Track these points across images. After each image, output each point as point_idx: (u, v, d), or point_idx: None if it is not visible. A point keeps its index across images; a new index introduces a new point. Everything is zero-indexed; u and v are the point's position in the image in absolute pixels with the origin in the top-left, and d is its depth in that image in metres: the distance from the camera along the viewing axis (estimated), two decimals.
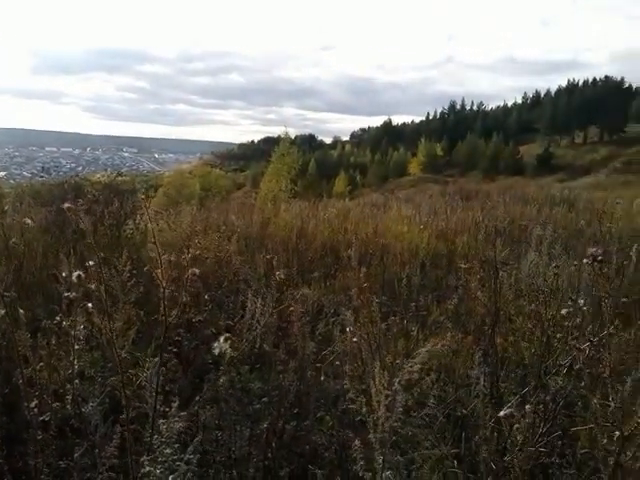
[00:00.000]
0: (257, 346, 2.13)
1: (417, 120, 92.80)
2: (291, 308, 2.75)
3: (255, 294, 2.16)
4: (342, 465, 1.50)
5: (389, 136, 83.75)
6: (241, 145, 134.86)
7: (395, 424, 0.88)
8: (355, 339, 1.86)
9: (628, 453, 0.77)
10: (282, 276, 2.35)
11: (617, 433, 0.75)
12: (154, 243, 1.19)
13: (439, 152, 67.34)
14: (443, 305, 4.12)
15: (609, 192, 15.91)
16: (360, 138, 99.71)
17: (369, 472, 0.91)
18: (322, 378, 2.23)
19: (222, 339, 1.13)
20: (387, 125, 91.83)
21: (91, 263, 1.41)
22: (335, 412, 1.94)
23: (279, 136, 31.18)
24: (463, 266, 3.52)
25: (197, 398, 1.52)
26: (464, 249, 6.36)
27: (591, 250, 0.69)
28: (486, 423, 1.61)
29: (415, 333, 3.39)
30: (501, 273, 4.39)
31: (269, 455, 1.54)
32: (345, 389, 1.26)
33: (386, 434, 0.87)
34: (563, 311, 1.77)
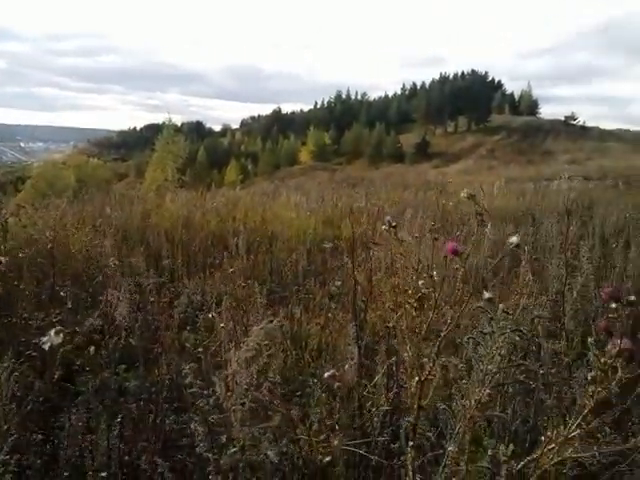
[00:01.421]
0: (122, 342, 2.04)
1: (306, 109, 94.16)
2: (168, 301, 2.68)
3: (118, 288, 2.06)
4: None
5: (279, 124, 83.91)
6: (121, 132, 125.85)
7: (242, 400, 0.92)
8: (222, 325, 1.88)
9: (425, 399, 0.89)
10: (116, 262, 2.26)
11: (416, 378, 0.87)
12: None
13: (327, 141, 69.16)
14: (327, 287, 4.30)
15: (475, 176, 17.68)
16: (250, 126, 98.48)
17: (212, 451, 0.95)
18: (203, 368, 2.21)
19: (52, 332, 1.07)
20: (277, 113, 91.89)
21: None
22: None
23: (163, 123, 29.64)
24: (326, 246, 3.69)
25: (29, 397, 1.43)
26: (348, 233, 6.64)
27: (386, 218, 0.79)
28: (357, 391, 1.75)
29: (298, 315, 3.50)
30: (377, 253, 4.71)
31: (127, 451, 1.50)
32: (185, 374, 1.27)
33: (238, 410, 0.91)
34: (420, 282, 1.95)
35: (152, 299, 2.85)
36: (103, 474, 1.36)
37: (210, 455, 0.95)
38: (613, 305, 0.73)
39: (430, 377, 0.82)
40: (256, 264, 5.17)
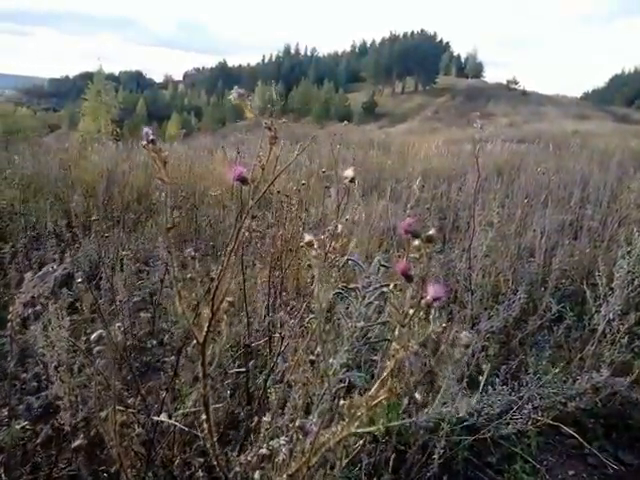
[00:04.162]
0: None
1: (253, 63, 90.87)
2: None
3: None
4: None
5: (225, 78, 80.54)
6: (53, 81, 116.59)
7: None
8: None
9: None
10: None
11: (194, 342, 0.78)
12: None
13: (275, 97, 67.19)
14: (253, 243, 4.18)
15: (419, 137, 17.84)
16: (194, 78, 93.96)
17: None
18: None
19: None
20: (223, 66, 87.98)
21: None
22: None
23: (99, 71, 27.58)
24: (212, 193, 3.56)
25: None
26: (283, 190, 6.50)
27: (145, 129, 0.66)
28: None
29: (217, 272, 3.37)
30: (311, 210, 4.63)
31: None
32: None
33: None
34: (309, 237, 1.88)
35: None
36: None
37: None
38: (415, 242, 0.62)
39: (211, 334, 0.72)
40: (182, 221, 4.94)
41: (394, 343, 0.60)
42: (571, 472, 1.65)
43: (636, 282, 1.84)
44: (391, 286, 0.64)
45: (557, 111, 48.76)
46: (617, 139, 15.85)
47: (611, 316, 1.84)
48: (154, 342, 1.93)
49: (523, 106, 51.89)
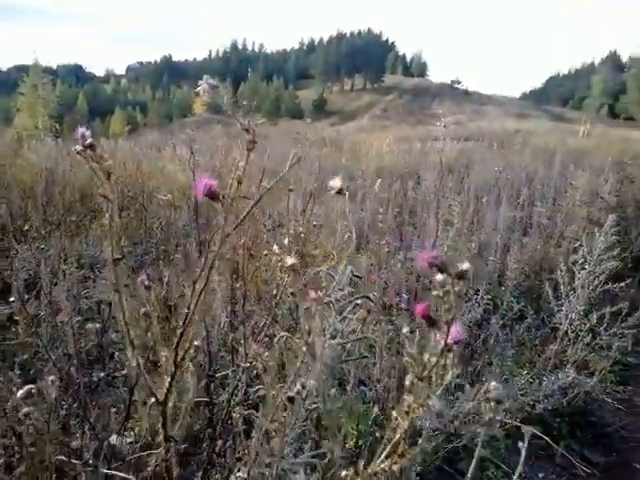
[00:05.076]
0: None
1: (200, 58, 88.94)
2: None
3: None
4: None
5: (171, 73, 78.31)
6: None
7: None
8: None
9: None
10: None
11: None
12: None
13: (224, 93, 66.07)
14: (208, 248, 4.02)
15: (369, 135, 18.01)
16: (138, 72, 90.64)
17: None
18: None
19: None
20: (168, 60, 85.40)
21: None
22: None
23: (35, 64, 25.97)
24: (162, 197, 3.44)
25: None
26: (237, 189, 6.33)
27: (81, 131, 0.57)
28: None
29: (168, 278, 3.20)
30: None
31: None
32: None
33: None
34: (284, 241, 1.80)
35: None
36: None
37: None
38: (439, 277, 0.52)
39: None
40: (129, 223, 4.67)
41: (408, 398, 0.53)
42: (541, 474, 1.66)
43: (596, 282, 1.88)
44: (405, 330, 0.55)
45: (498, 110, 50.90)
46: (554, 137, 16.67)
47: (573, 316, 1.87)
48: (101, 374, 1.78)
49: (467, 105, 53.78)
